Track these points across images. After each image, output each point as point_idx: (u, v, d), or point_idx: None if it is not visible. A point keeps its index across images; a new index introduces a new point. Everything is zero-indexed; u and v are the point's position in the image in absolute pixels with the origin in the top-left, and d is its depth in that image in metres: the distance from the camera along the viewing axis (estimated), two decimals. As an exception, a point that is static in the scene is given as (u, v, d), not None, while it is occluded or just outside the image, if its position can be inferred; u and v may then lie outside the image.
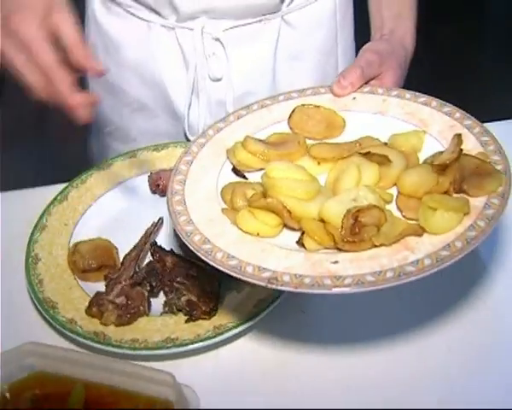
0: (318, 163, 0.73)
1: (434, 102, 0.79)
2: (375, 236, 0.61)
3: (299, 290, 0.58)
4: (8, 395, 0.66)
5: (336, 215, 0.63)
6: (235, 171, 0.75)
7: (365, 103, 0.82)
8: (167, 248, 0.81)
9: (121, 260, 0.82)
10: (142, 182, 0.93)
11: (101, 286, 0.78)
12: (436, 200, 0.63)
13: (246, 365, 0.72)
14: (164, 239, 0.85)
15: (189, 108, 1.00)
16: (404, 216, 0.66)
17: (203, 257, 0.63)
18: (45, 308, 0.75)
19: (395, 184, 0.69)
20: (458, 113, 0.76)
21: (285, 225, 0.67)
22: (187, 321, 0.73)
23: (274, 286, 0.59)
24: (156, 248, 0.81)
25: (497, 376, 0.68)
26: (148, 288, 0.77)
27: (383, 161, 0.69)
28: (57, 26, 0.69)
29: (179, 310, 0.75)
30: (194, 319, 0.73)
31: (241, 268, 0.61)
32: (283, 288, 0.59)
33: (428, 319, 0.74)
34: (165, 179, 0.90)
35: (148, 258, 0.82)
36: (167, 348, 0.70)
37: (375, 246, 0.62)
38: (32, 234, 0.85)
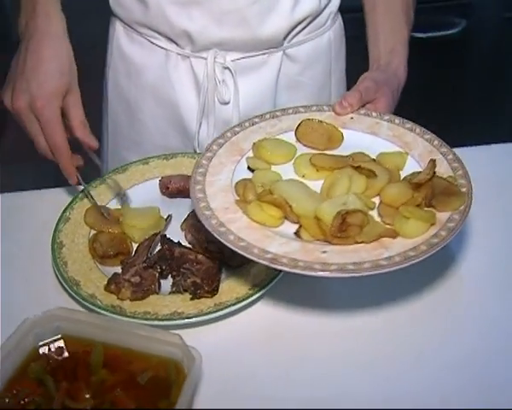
0: (317, 170, 0.88)
1: (418, 128, 0.93)
2: (358, 234, 0.76)
3: (293, 271, 0.72)
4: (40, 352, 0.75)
5: (328, 215, 0.78)
6: (250, 169, 0.89)
7: (361, 123, 0.96)
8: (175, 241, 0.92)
9: (135, 249, 0.93)
10: (154, 185, 1.05)
11: (117, 270, 0.88)
12: (410, 210, 0.78)
13: (242, 337, 0.82)
14: (173, 234, 0.95)
15: (199, 128, 1.13)
16: (383, 221, 0.80)
17: (218, 237, 0.77)
18: (70, 285, 0.86)
19: (378, 195, 0.84)
20: (436, 140, 0.91)
21: (286, 218, 0.81)
22: (192, 298, 0.84)
23: (275, 266, 0.73)
24: (166, 240, 0.91)
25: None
26: (159, 270, 0.87)
27: (370, 174, 0.84)
28: (68, 108, 0.93)
29: (185, 290, 0.85)
30: (199, 297, 0.84)
31: (249, 249, 0.75)
32: (282, 268, 0.73)
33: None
34: (175, 183, 1.03)
35: (158, 248, 0.92)
36: (174, 320, 0.81)
37: (358, 242, 0.76)
38: (57, 225, 0.96)
